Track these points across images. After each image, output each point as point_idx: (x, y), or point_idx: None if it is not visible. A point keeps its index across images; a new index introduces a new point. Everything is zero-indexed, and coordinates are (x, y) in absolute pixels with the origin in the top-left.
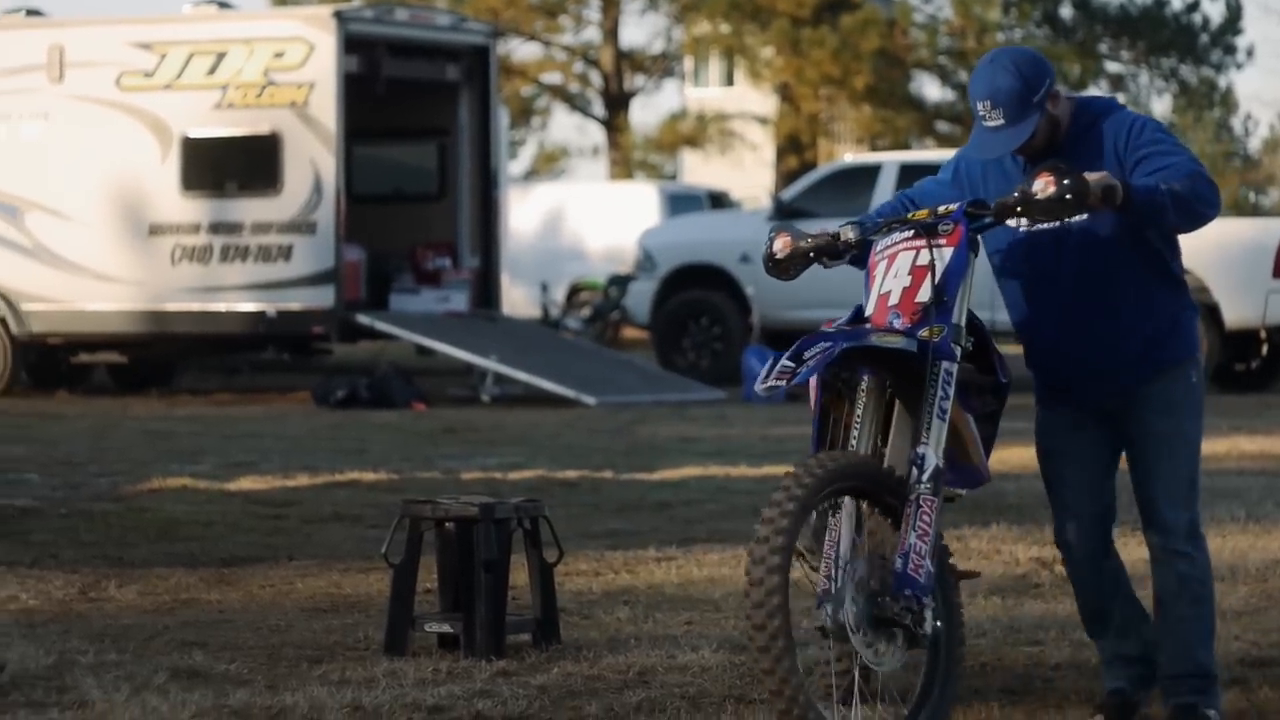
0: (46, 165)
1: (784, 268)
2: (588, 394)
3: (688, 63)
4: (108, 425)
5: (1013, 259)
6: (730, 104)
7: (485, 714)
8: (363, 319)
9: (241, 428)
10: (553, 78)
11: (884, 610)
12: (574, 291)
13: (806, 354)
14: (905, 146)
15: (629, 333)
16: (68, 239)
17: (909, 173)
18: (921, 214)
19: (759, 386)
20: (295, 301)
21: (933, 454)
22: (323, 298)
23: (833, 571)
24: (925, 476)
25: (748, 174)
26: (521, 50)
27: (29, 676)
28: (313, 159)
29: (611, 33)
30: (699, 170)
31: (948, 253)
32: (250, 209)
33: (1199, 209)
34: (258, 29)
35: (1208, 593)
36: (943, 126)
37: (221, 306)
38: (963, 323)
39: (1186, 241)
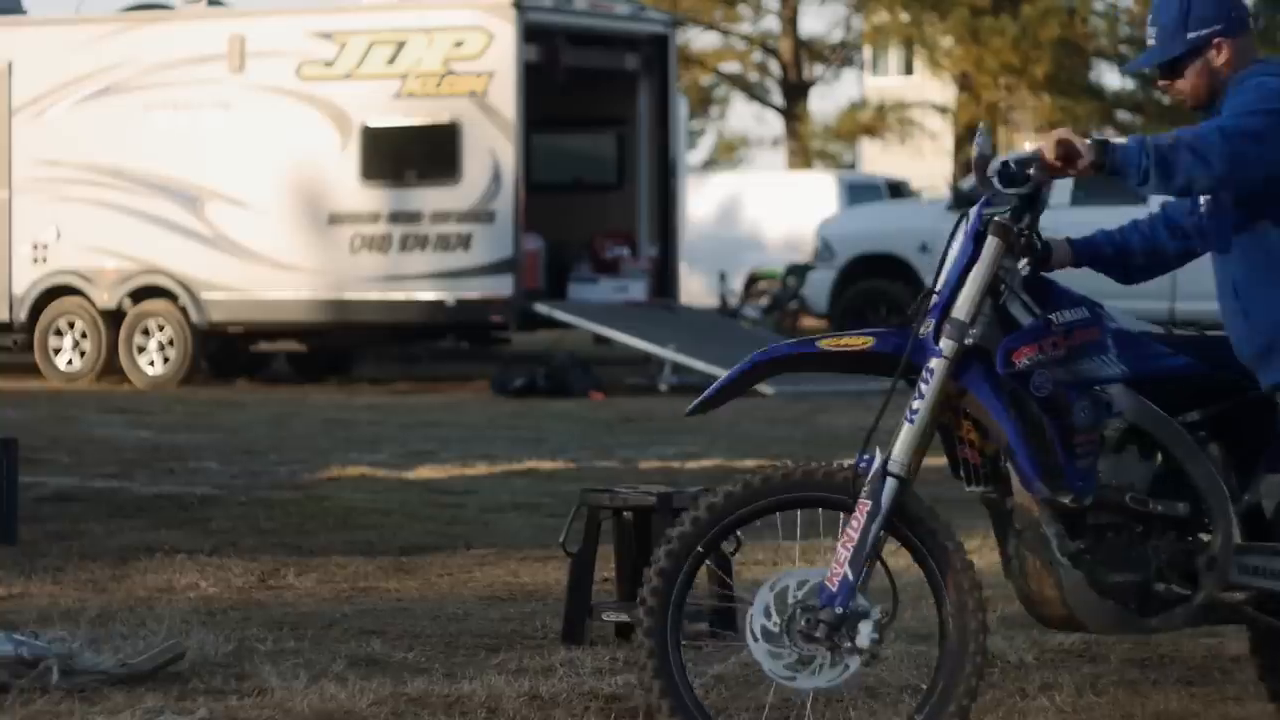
0: (227, 155)
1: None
2: (766, 383)
3: (866, 52)
4: (287, 414)
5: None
6: (909, 93)
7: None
8: (541, 308)
9: (420, 416)
10: (731, 67)
11: (794, 622)
12: (752, 281)
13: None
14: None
15: (807, 322)
16: (248, 228)
17: None
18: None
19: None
20: (474, 290)
21: (879, 458)
22: (501, 286)
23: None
24: (864, 481)
25: (927, 163)
26: (700, 39)
27: (208, 664)
28: (492, 148)
29: (790, 21)
30: (878, 159)
31: (956, 243)
32: (429, 198)
33: (1178, 169)
34: (437, 18)
35: None
36: (1123, 115)
37: (401, 295)
38: (964, 316)
39: None
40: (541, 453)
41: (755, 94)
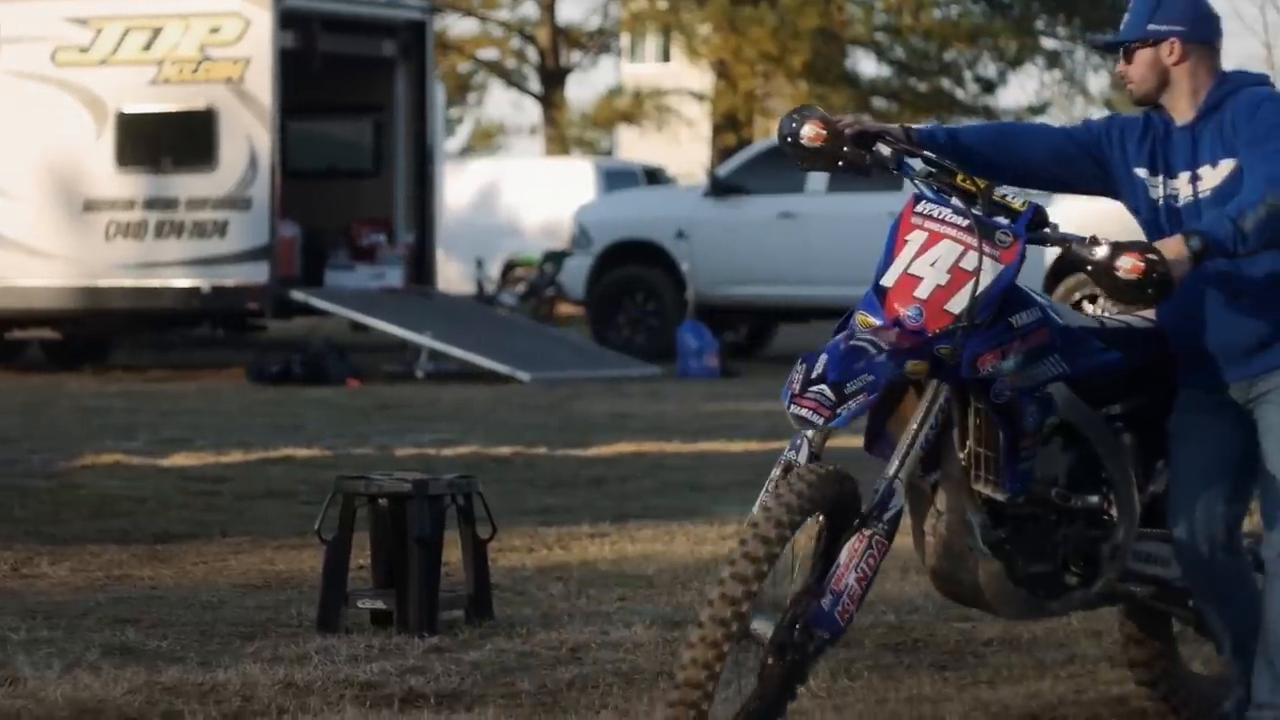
0: None
1: (806, 159)
2: (522, 370)
3: (624, 39)
4: (41, 402)
5: (1154, 223)
6: (667, 80)
7: (417, 690)
8: (297, 295)
9: (175, 404)
10: (489, 54)
11: (786, 637)
12: (509, 268)
13: (848, 387)
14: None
15: (564, 309)
16: (1, 215)
17: None
18: (977, 185)
19: (795, 410)
20: (230, 277)
21: (901, 491)
22: (257, 274)
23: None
24: (888, 515)
25: (684, 150)
26: (458, 26)
27: None
28: (248, 135)
29: (548, 9)
30: (635, 147)
31: (998, 269)
32: (186, 185)
33: (1269, 238)
34: (194, 4)
35: None
36: (879, 103)
37: (156, 282)
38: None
39: (1118, 214)
40: (298, 440)
41: (513, 81)
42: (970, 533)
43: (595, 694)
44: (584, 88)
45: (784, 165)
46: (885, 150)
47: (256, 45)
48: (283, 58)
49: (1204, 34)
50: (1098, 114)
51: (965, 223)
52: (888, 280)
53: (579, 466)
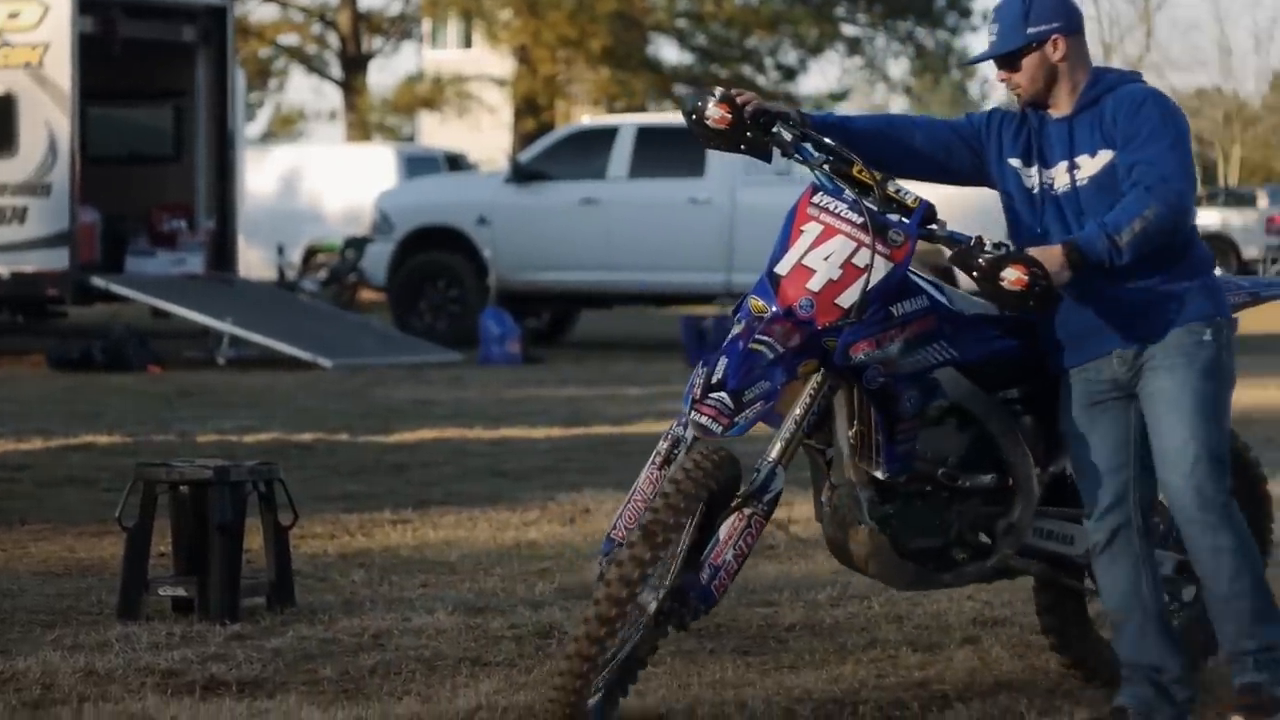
0: None
1: (710, 139)
2: (324, 356)
3: (425, 25)
4: None
5: (1029, 209)
6: (468, 66)
7: (219, 678)
8: (98, 281)
9: None
10: (290, 39)
11: (666, 606)
12: (310, 254)
13: (746, 395)
14: (642, 109)
15: (366, 295)
16: None
17: (646, 135)
18: (874, 177)
19: (696, 417)
20: (29, 264)
21: (781, 475)
22: (57, 260)
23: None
24: (767, 497)
25: (485, 136)
26: (259, 11)
27: None
28: (48, 120)
29: None
30: (436, 133)
31: (888, 267)
32: None
33: (1155, 237)
34: None
35: (1240, 565)
36: (680, 89)
37: None
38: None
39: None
40: (98, 427)
41: (314, 67)
42: (858, 506)
43: (398, 680)
44: (385, 74)
45: (585, 150)
46: (786, 135)
47: (56, 30)
48: (82, 43)
49: (1078, 24)
50: (898, 100)
51: (860, 219)
52: (782, 269)
53: (381, 453)
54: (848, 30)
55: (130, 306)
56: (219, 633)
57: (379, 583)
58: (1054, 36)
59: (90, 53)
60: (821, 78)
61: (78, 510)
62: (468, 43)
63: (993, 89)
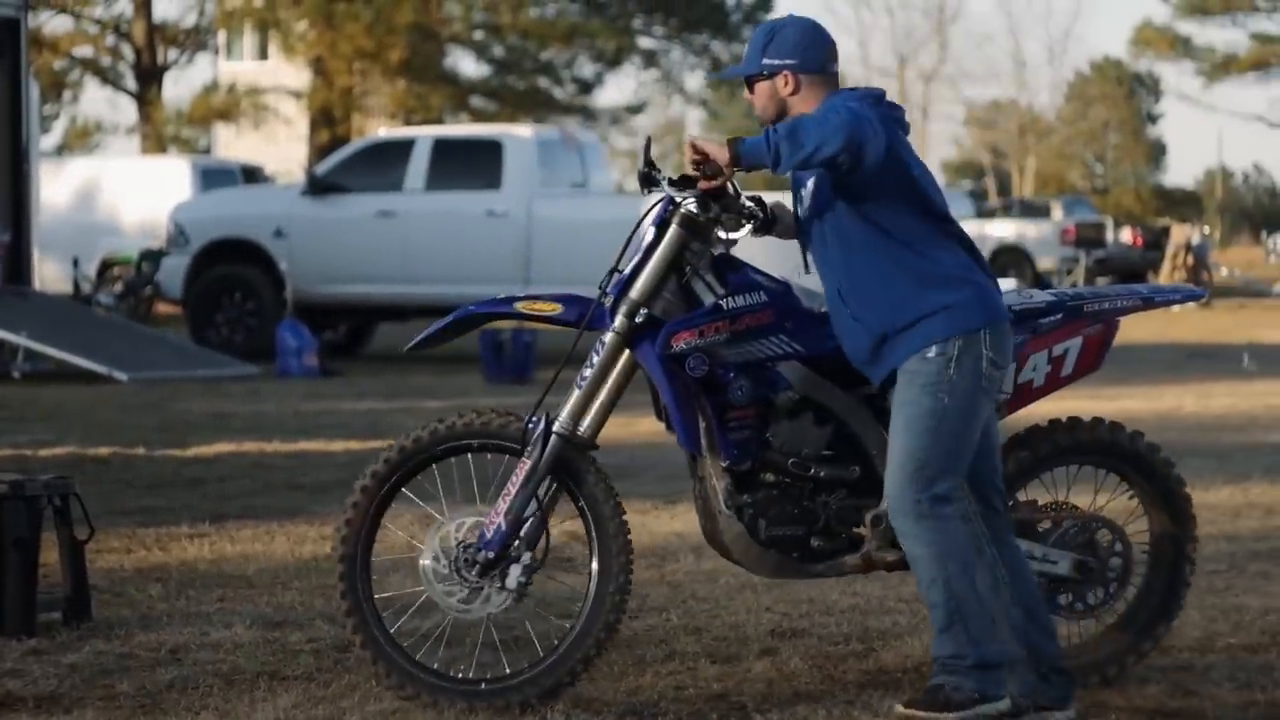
0: None
1: None
2: (120, 370)
3: (221, 36)
4: None
5: (804, 230)
6: (264, 78)
7: (15, 694)
8: None
9: None
10: (84, 51)
11: (454, 563)
12: (106, 266)
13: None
14: (439, 121)
15: (162, 308)
16: None
17: (443, 147)
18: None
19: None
20: None
21: (542, 420)
22: None
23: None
24: (530, 440)
25: (281, 148)
26: (53, 23)
27: None
28: None
29: (144, 6)
30: (233, 145)
31: (637, 249)
32: None
33: (805, 144)
34: None
35: (932, 572)
36: (477, 101)
37: None
38: (638, 296)
39: None
40: None
41: (108, 79)
42: (716, 496)
43: (195, 695)
44: (181, 86)
45: (382, 162)
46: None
47: None
48: None
49: (815, 65)
50: (694, 112)
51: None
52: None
53: (178, 466)
54: (644, 43)
55: None
56: (15, 648)
57: (176, 597)
58: (785, 72)
59: None
60: (618, 90)
61: None
62: (264, 54)
63: None
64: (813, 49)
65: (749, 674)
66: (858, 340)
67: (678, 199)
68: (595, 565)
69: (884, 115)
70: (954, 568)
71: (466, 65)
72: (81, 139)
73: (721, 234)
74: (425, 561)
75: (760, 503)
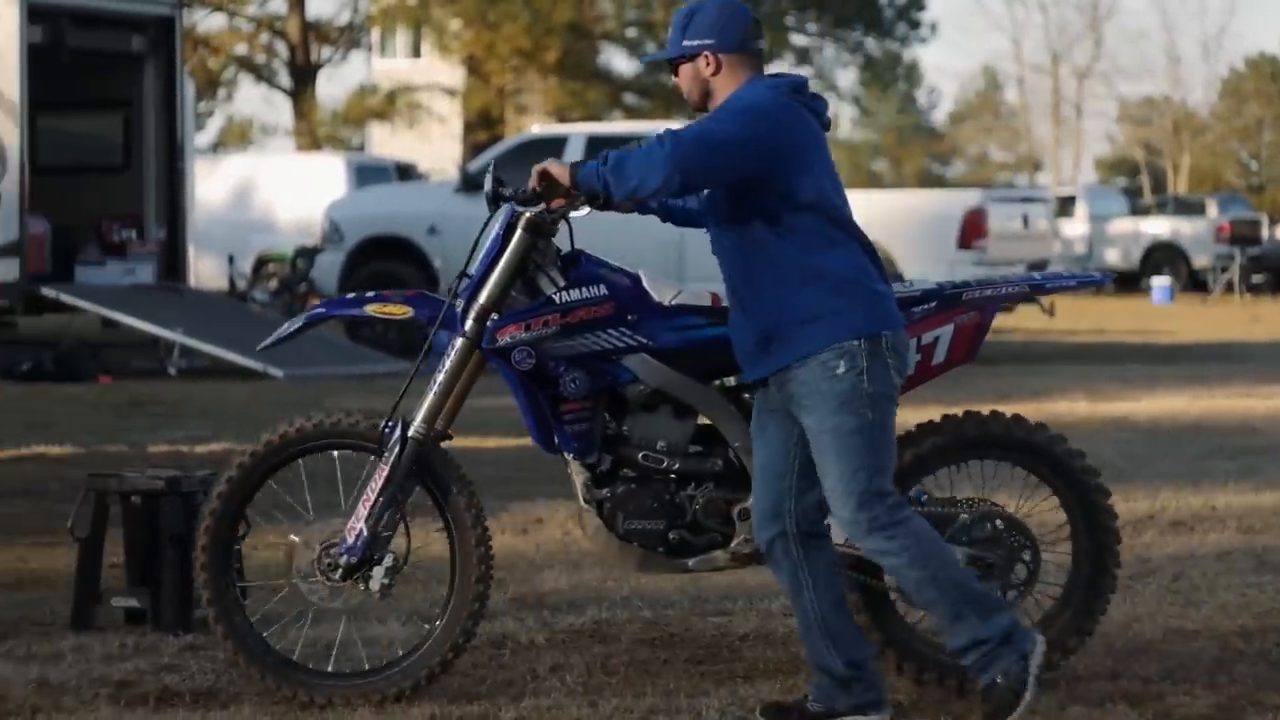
0: None
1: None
2: (276, 366)
3: (375, 34)
4: None
5: (706, 217)
6: (417, 75)
7: (172, 688)
8: (47, 291)
9: None
10: (239, 49)
11: (321, 564)
12: (261, 264)
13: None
14: (596, 119)
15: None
16: None
17: (596, 144)
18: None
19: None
20: None
21: (399, 425)
22: (7, 270)
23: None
24: (387, 445)
25: (435, 146)
26: (208, 21)
27: None
28: None
29: (298, 4)
30: (387, 142)
31: (491, 231)
32: None
33: (630, 178)
34: None
35: (919, 576)
36: (630, 99)
37: None
38: (486, 300)
39: (873, 211)
40: (49, 438)
41: (263, 76)
42: (576, 490)
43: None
44: (334, 83)
45: (535, 159)
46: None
47: (4, 40)
48: (31, 52)
49: (734, 43)
50: (847, 109)
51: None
52: None
53: (333, 462)
54: (797, 40)
55: (81, 316)
56: (172, 644)
57: None
58: (705, 52)
59: (39, 62)
60: None
61: (29, 521)
62: (417, 52)
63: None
64: (730, 27)
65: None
66: (745, 332)
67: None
68: (456, 564)
69: (781, 114)
70: (935, 560)
71: (619, 62)
72: (238, 137)
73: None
74: (300, 557)
75: (619, 497)
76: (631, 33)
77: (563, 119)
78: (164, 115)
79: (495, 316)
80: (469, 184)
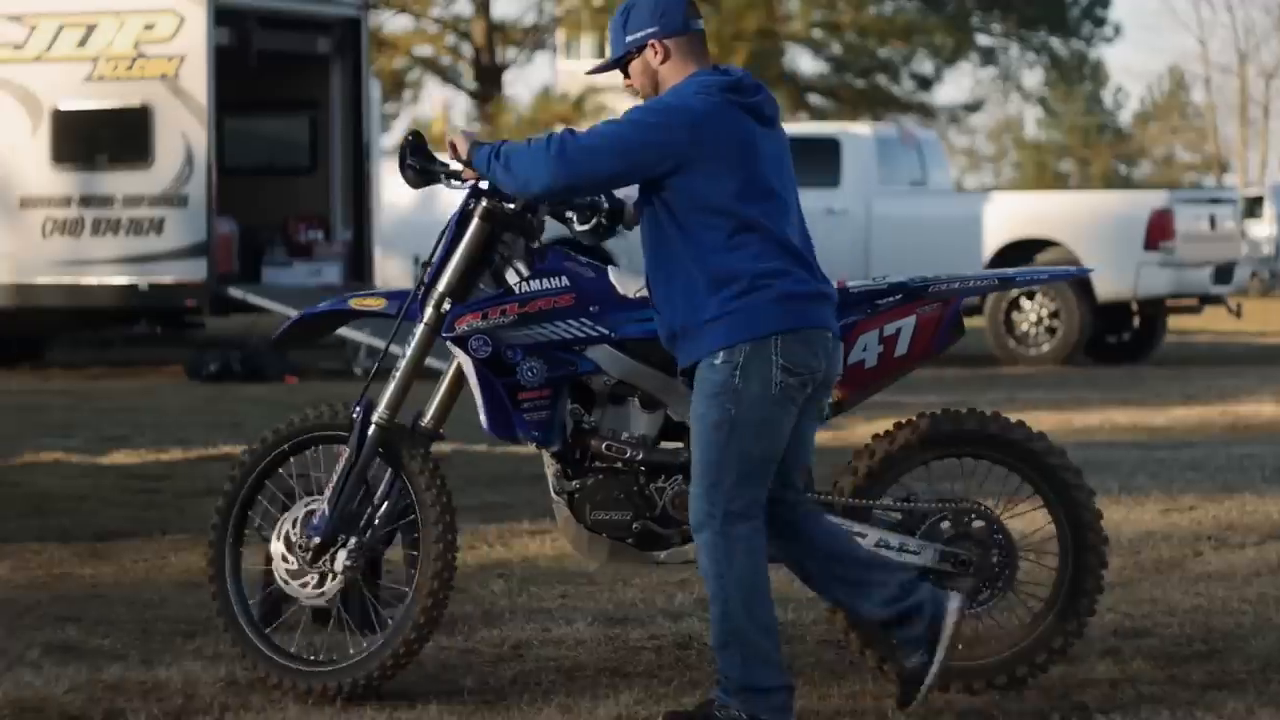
0: None
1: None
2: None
3: (559, 35)
4: None
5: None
6: (602, 77)
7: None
8: (235, 292)
9: (114, 401)
10: (424, 50)
11: (292, 546)
12: None
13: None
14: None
15: None
16: None
17: None
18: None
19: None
20: (167, 275)
21: (361, 410)
22: (195, 271)
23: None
24: (355, 432)
25: None
26: (393, 22)
27: None
28: (184, 131)
29: (483, 5)
30: None
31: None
32: (121, 182)
33: (516, 177)
34: (128, 1)
35: (715, 590)
36: (814, 99)
37: (93, 280)
38: (444, 288)
39: (1058, 212)
40: (237, 437)
41: (448, 77)
42: (549, 482)
43: (538, 691)
44: (519, 85)
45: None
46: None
47: (191, 42)
48: (218, 54)
49: (678, 25)
50: (1031, 110)
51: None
52: None
53: (519, 463)
54: (982, 40)
55: (267, 317)
56: (358, 643)
57: (518, 593)
58: (651, 41)
59: (226, 64)
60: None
61: None
62: (602, 53)
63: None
64: (671, 11)
65: (1091, 674)
66: (660, 328)
67: (480, 195)
68: (419, 553)
69: (697, 117)
70: (735, 597)
71: (804, 63)
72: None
73: (579, 227)
74: (276, 541)
75: (587, 488)
76: (817, 34)
77: None
78: (350, 117)
79: (449, 303)
80: None
